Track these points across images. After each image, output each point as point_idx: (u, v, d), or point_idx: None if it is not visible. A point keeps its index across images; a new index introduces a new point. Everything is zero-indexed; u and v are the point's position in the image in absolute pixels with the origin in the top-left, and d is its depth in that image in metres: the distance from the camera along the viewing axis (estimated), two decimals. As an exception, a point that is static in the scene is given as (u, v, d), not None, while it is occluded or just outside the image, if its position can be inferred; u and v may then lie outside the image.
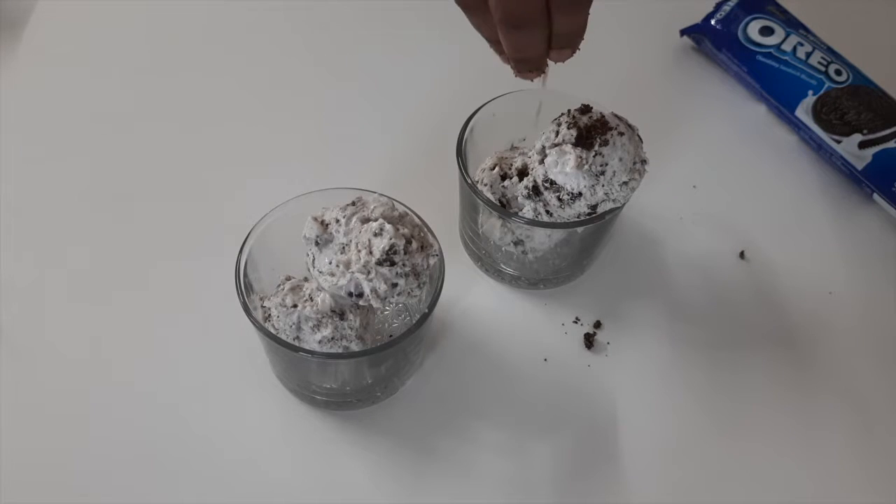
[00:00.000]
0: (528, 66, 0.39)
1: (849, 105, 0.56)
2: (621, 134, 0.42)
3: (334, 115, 0.59)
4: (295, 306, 0.40)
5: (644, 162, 0.43)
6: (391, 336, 0.45)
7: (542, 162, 0.44)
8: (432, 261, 0.40)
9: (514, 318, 0.50)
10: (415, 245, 0.39)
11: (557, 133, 0.43)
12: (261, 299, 0.42)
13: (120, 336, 0.47)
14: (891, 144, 0.55)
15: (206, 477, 0.43)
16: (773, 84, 0.59)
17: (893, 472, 0.45)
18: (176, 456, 0.43)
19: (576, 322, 0.49)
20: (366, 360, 0.42)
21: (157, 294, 0.49)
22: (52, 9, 0.63)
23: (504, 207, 0.47)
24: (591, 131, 0.42)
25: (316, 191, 0.43)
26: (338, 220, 0.40)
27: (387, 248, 0.38)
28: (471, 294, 0.50)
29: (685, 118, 0.61)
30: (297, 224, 0.40)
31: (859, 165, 0.55)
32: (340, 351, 0.40)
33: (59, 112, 0.57)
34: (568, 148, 0.42)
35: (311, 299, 0.40)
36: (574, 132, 0.42)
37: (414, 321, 0.41)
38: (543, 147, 0.43)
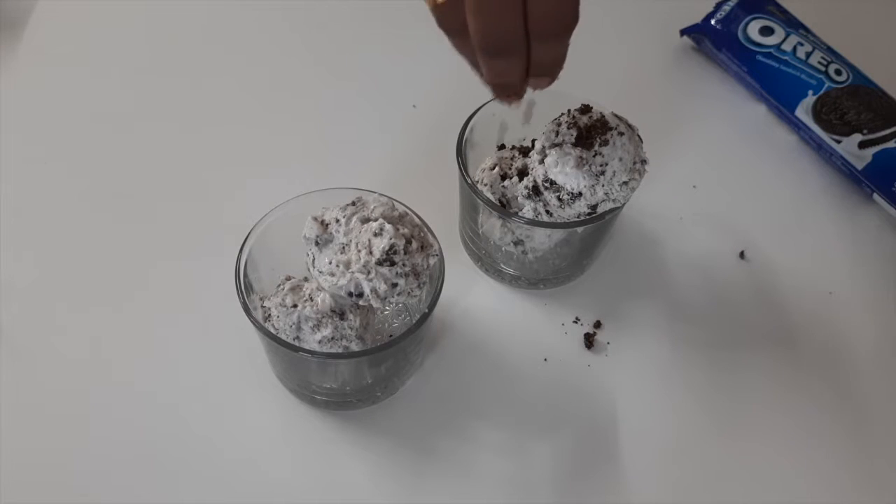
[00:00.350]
0: (507, 91, 0.39)
1: (849, 105, 0.56)
2: (621, 134, 0.42)
3: (334, 116, 0.59)
4: (295, 306, 0.40)
5: (644, 162, 0.43)
6: (391, 336, 0.45)
7: (542, 162, 0.44)
8: (432, 261, 0.40)
9: (514, 318, 0.50)
10: (415, 245, 0.39)
11: (557, 133, 0.43)
12: (261, 299, 0.42)
13: (120, 336, 0.47)
14: (891, 144, 0.55)
15: (206, 477, 0.43)
16: (773, 84, 0.59)
17: (893, 472, 0.45)
18: (176, 456, 0.43)
19: (576, 322, 0.49)
20: (366, 360, 0.42)
21: (158, 294, 0.49)
22: (52, 9, 0.63)
23: (504, 207, 0.47)
24: (591, 131, 0.42)
25: (316, 191, 0.43)
26: (338, 220, 0.40)
27: (387, 248, 0.38)
28: (471, 294, 0.50)
29: (685, 118, 0.61)
30: (297, 224, 0.40)
31: (859, 165, 0.55)
32: (340, 351, 0.40)
33: (59, 112, 0.57)
34: (568, 148, 0.42)
35: (311, 299, 0.40)
36: (574, 132, 0.42)
37: (414, 321, 0.41)
38: (543, 147, 0.43)
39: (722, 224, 0.55)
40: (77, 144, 0.56)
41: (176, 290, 0.49)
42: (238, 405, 0.45)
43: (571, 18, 0.34)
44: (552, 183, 0.43)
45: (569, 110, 0.43)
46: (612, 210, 0.44)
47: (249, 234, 0.42)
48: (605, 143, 0.41)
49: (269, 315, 0.41)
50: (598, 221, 0.44)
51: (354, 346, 0.41)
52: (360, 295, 0.39)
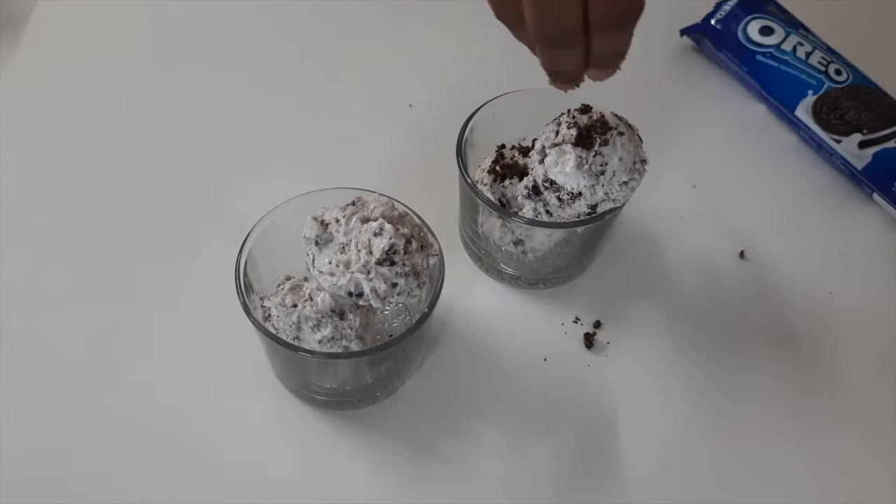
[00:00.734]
0: (564, 78, 0.38)
1: (849, 105, 0.56)
2: (621, 134, 0.42)
3: (334, 115, 0.59)
4: (295, 306, 0.40)
5: (644, 162, 0.43)
6: (391, 336, 0.45)
7: (542, 162, 0.44)
8: (432, 261, 0.40)
9: (514, 318, 0.50)
10: (415, 245, 0.39)
11: (557, 133, 0.43)
12: (261, 299, 0.42)
13: (119, 336, 0.47)
14: (891, 144, 0.55)
15: (206, 477, 0.43)
16: (773, 84, 0.59)
17: (893, 472, 0.45)
18: (176, 456, 0.43)
19: (576, 322, 0.49)
20: (366, 360, 0.42)
21: (157, 293, 0.49)
22: (52, 9, 0.63)
23: (504, 207, 0.47)
24: (591, 131, 0.42)
25: (316, 191, 0.43)
26: (338, 220, 0.40)
27: (387, 247, 0.38)
28: (471, 294, 0.50)
29: (685, 118, 0.61)
30: (297, 224, 0.40)
31: (859, 165, 0.55)
32: (340, 351, 0.40)
33: (59, 112, 0.57)
34: (568, 148, 0.42)
35: (311, 299, 0.40)
36: (574, 132, 0.42)
37: (414, 321, 0.41)
38: (543, 147, 0.43)
39: (722, 224, 0.55)
40: (77, 144, 0.56)
41: (176, 290, 0.49)
42: (238, 405, 0.45)
43: (637, 10, 0.33)
44: (552, 183, 0.43)
45: (569, 110, 0.43)
46: (612, 210, 0.44)
47: (249, 234, 0.42)
48: (605, 143, 0.41)
49: (269, 315, 0.41)
50: (598, 221, 0.44)
51: (354, 346, 0.41)
52: (360, 295, 0.39)
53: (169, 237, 0.51)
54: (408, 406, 0.46)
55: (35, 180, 0.54)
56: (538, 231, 0.46)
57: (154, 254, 0.50)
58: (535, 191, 0.44)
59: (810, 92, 0.57)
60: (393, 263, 0.38)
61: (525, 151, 0.49)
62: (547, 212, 0.44)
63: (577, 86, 0.38)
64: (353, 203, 0.40)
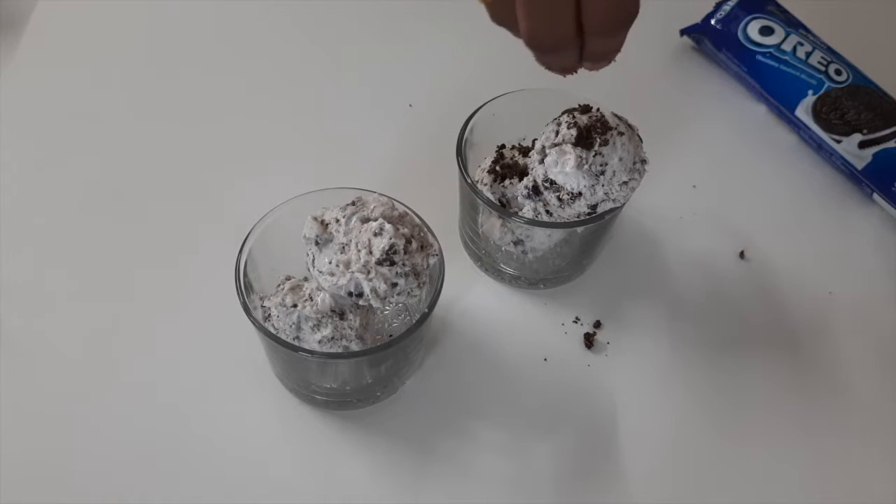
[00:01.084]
0: (559, 72, 0.38)
1: (849, 105, 0.56)
2: (621, 134, 0.42)
3: (334, 115, 0.59)
4: (295, 306, 0.40)
5: (644, 162, 0.43)
6: (391, 336, 0.45)
7: (542, 162, 0.44)
8: (432, 261, 0.40)
9: (514, 318, 0.50)
10: (415, 245, 0.39)
11: (557, 133, 0.43)
12: (261, 299, 0.42)
13: (119, 336, 0.47)
14: (891, 144, 0.55)
15: (206, 477, 0.43)
16: (773, 84, 0.59)
17: (893, 472, 0.45)
18: (176, 456, 0.43)
19: (576, 322, 0.49)
20: (366, 360, 0.42)
21: (157, 293, 0.49)
22: (52, 9, 0.63)
23: (504, 207, 0.47)
24: (591, 131, 0.42)
25: (316, 191, 0.43)
26: (338, 220, 0.40)
27: (387, 247, 0.38)
28: (471, 294, 0.50)
29: (685, 118, 0.61)
30: (297, 224, 0.40)
31: (859, 165, 0.55)
32: (340, 351, 0.40)
33: (59, 112, 0.57)
34: (568, 148, 0.42)
35: (311, 299, 0.40)
36: (574, 132, 0.42)
37: (414, 321, 0.41)
38: (543, 147, 0.43)
39: (722, 224, 0.55)
40: (77, 144, 0.56)
41: (176, 290, 0.49)
42: (238, 405, 0.45)
43: (630, 15, 0.33)
44: (552, 183, 0.43)
45: (569, 110, 0.43)
46: (612, 210, 0.44)
47: (249, 234, 0.42)
48: (605, 143, 0.41)
49: (269, 315, 0.41)
50: (598, 221, 0.44)
51: (354, 346, 0.41)
52: (360, 295, 0.39)
53: (169, 237, 0.51)
54: (408, 406, 0.46)
55: (35, 180, 0.54)
56: (538, 231, 0.46)
57: (154, 254, 0.50)
58: (535, 191, 0.44)
59: (810, 92, 0.57)
60: (393, 263, 0.38)
61: (525, 151, 0.49)
62: (547, 212, 0.44)
63: (574, 72, 0.38)
64: (353, 203, 0.40)
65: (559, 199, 0.43)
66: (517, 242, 0.47)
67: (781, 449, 0.45)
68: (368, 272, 0.38)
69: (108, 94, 0.59)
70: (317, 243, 0.40)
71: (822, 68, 0.58)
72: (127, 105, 0.58)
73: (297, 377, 0.44)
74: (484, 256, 0.51)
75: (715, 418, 0.46)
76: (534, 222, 0.45)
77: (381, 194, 0.41)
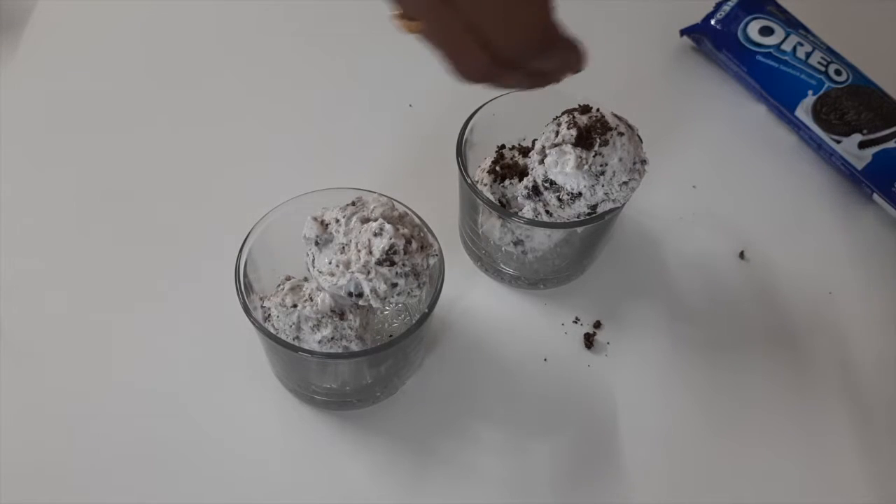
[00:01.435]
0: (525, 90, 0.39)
1: (849, 105, 0.56)
2: (621, 134, 0.42)
3: (335, 116, 0.59)
4: (295, 306, 0.40)
5: (644, 162, 0.43)
6: (391, 336, 0.45)
7: (542, 162, 0.44)
8: (432, 261, 0.40)
9: (514, 318, 0.50)
10: (415, 245, 0.39)
11: (557, 133, 0.43)
12: (261, 299, 0.42)
13: (119, 336, 0.47)
14: (891, 144, 0.55)
15: (206, 477, 0.43)
16: (773, 84, 0.59)
17: (893, 472, 0.45)
18: (176, 456, 0.43)
19: (576, 322, 0.49)
20: (366, 360, 0.42)
21: (157, 294, 0.49)
22: (52, 9, 0.63)
23: (504, 207, 0.47)
24: (591, 131, 0.42)
25: (316, 191, 0.43)
26: (338, 220, 0.40)
27: (387, 248, 0.38)
28: (471, 294, 0.50)
29: (685, 118, 0.61)
30: (297, 224, 0.40)
31: (859, 165, 0.55)
32: (340, 351, 0.40)
33: (59, 112, 0.57)
34: (568, 148, 0.42)
35: (311, 299, 0.40)
36: (574, 132, 0.42)
37: (414, 321, 0.41)
38: (543, 147, 0.43)
39: (722, 224, 0.55)
40: (77, 145, 0.56)
41: (176, 291, 0.49)
42: (238, 405, 0.45)
43: (532, 45, 0.34)
44: (552, 183, 0.43)
45: (569, 110, 0.43)
46: (611, 210, 0.44)
47: (249, 234, 0.42)
48: (605, 143, 0.41)
49: (269, 315, 0.41)
50: (598, 221, 0.44)
51: (354, 346, 0.41)
52: (360, 295, 0.39)
53: (169, 237, 0.51)
54: (408, 406, 0.46)
55: (35, 180, 0.54)
56: (538, 231, 0.46)
57: (154, 254, 0.50)
58: (535, 191, 0.44)
59: (810, 92, 0.57)
60: (393, 263, 0.38)
61: (525, 151, 0.49)
62: (547, 212, 0.44)
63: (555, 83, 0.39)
64: (353, 203, 0.40)
65: (559, 199, 0.43)
66: (517, 243, 0.47)
67: (781, 448, 0.45)
68: (368, 272, 0.38)
69: (108, 95, 0.59)
70: (317, 243, 0.40)
71: (822, 68, 0.58)
72: (127, 105, 0.58)
73: (297, 377, 0.44)
74: (484, 256, 0.51)
75: (714, 418, 0.46)
76: (534, 222, 0.45)
77: (381, 194, 0.41)
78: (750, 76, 0.60)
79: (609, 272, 0.52)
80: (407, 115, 0.59)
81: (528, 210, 0.45)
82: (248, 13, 0.64)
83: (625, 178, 0.42)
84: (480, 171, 0.48)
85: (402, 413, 0.45)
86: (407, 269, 0.39)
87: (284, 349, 0.39)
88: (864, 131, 0.55)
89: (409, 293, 0.39)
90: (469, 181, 0.46)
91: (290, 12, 0.65)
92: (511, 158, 0.48)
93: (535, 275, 0.50)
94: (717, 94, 0.62)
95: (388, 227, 0.38)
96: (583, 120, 0.42)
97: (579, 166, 0.41)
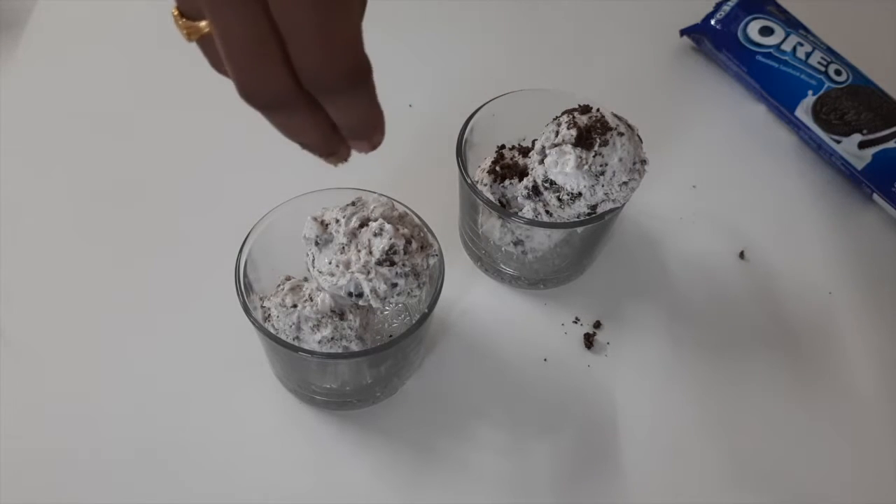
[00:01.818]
0: (316, 151, 0.33)
1: (849, 105, 0.56)
2: (621, 134, 0.42)
3: (334, 115, 0.59)
4: (295, 306, 0.40)
5: (644, 162, 0.43)
6: (391, 336, 0.45)
7: (542, 162, 0.44)
8: (432, 261, 0.40)
9: (514, 318, 0.50)
10: (415, 245, 0.39)
11: (557, 133, 0.43)
12: (261, 299, 0.42)
13: (119, 336, 0.47)
14: (891, 144, 0.55)
15: (206, 477, 0.43)
16: (773, 84, 0.59)
17: (893, 472, 0.45)
18: (175, 456, 0.43)
19: (576, 322, 0.49)
20: (366, 360, 0.42)
21: (157, 294, 0.49)
22: (52, 9, 0.63)
23: (504, 207, 0.47)
24: (590, 131, 0.42)
25: (316, 191, 0.43)
26: (338, 221, 0.40)
27: (387, 248, 0.38)
28: (471, 294, 0.50)
29: (685, 118, 0.61)
30: (297, 224, 0.40)
31: (859, 165, 0.55)
32: (340, 351, 0.40)
33: (59, 112, 0.57)
34: (568, 148, 0.42)
35: (311, 299, 0.40)
36: (574, 132, 0.42)
37: (414, 321, 0.41)
38: (543, 147, 0.43)
39: (722, 224, 0.55)
40: (77, 144, 0.56)
41: (176, 291, 0.49)
42: (238, 405, 0.45)
43: (348, 70, 0.29)
44: (552, 183, 0.43)
45: (569, 110, 0.43)
46: (611, 210, 0.44)
47: (249, 234, 0.42)
48: (605, 143, 0.41)
49: (269, 315, 0.41)
50: (598, 221, 0.44)
51: (354, 346, 0.41)
52: (360, 295, 0.39)
53: (169, 237, 0.51)
54: (408, 406, 0.46)
55: (35, 180, 0.54)
56: (538, 231, 0.46)
57: (154, 254, 0.50)
58: (535, 191, 0.44)
59: (810, 92, 0.57)
60: (393, 264, 0.38)
61: (525, 152, 0.49)
62: (547, 212, 0.44)
63: (344, 160, 0.34)
64: (353, 203, 0.40)
65: (559, 199, 0.43)
66: (517, 243, 0.47)
67: (781, 448, 0.45)
68: (368, 272, 0.38)
69: (107, 94, 0.59)
70: (317, 243, 0.40)
71: (822, 68, 0.58)
72: (126, 105, 0.58)
73: (297, 377, 0.44)
74: (484, 257, 0.51)
75: (715, 418, 0.46)
76: (534, 222, 0.45)
77: (381, 194, 0.41)
78: (750, 76, 0.60)
79: (609, 272, 0.52)
80: (407, 115, 0.59)
81: (528, 210, 0.45)
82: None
83: (625, 179, 0.42)
84: (480, 171, 0.48)
85: (402, 413, 0.45)
86: (407, 269, 0.39)
87: (284, 349, 0.39)
88: (864, 131, 0.55)
89: (409, 293, 0.39)
90: (469, 181, 0.46)
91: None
92: (511, 158, 0.48)
93: (535, 275, 0.50)
94: (717, 94, 0.62)
95: (388, 227, 0.38)
96: (583, 120, 0.42)
97: (579, 166, 0.41)
